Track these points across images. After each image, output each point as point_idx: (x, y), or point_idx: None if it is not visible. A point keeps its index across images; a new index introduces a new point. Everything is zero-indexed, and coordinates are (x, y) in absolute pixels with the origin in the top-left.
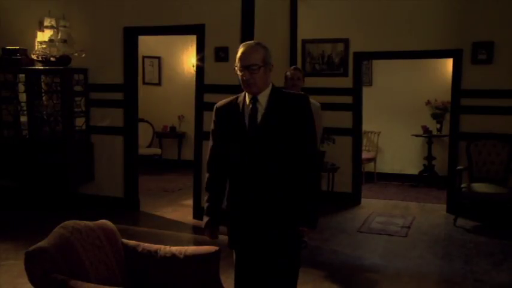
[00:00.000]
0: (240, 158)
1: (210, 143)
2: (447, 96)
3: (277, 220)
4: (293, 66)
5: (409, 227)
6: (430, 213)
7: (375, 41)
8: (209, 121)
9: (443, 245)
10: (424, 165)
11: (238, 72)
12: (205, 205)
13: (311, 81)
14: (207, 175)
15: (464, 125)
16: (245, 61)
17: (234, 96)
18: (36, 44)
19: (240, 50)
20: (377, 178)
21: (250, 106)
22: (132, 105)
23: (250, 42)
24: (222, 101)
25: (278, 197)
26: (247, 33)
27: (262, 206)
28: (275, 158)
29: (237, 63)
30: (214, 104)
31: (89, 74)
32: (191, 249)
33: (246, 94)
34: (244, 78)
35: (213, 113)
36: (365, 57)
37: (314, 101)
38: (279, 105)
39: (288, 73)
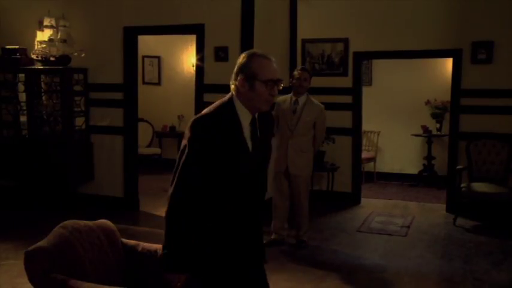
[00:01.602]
0: (241, 191)
1: (192, 177)
2: (447, 96)
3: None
4: (301, 67)
5: (408, 227)
6: (429, 212)
7: (374, 40)
8: None
9: (442, 245)
10: (423, 164)
11: (264, 88)
12: (175, 257)
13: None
14: (180, 220)
15: (464, 125)
16: (277, 74)
17: (215, 111)
18: (36, 43)
19: (268, 62)
20: (377, 178)
21: (250, 129)
22: (131, 105)
23: (264, 52)
24: (209, 117)
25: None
26: (247, 33)
27: (258, 242)
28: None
29: (267, 77)
30: None
31: (88, 73)
32: None
33: (241, 113)
34: (273, 93)
35: (203, 136)
36: (365, 57)
37: (318, 102)
38: (261, 127)
39: (296, 73)
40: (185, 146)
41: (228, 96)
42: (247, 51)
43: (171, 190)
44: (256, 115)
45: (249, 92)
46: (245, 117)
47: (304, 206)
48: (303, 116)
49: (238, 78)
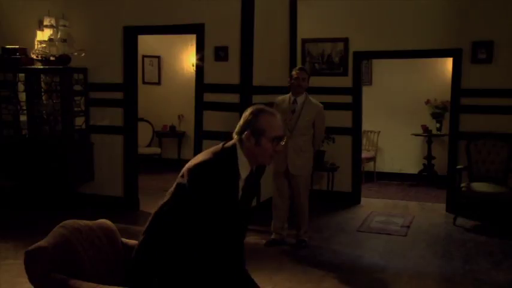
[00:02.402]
0: (223, 231)
1: (180, 218)
2: (447, 96)
3: None
4: (299, 67)
5: (408, 227)
6: (429, 212)
7: (374, 40)
8: (209, 120)
9: (443, 244)
10: (423, 164)
11: (269, 144)
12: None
13: (311, 81)
14: (159, 252)
15: (464, 125)
16: (282, 129)
17: (216, 160)
18: (36, 43)
19: (275, 119)
20: (377, 177)
21: (245, 182)
22: (131, 105)
23: (271, 109)
24: (210, 165)
25: None
26: (247, 33)
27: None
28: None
29: (274, 134)
30: (214, 103)
31: (88, 73)
32: None
33: (241, 165)
34: (278, 149)
35: (202, 183)
36: (365, 57)
37: (317, 101)
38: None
39: (294, 73)
40: (179, 185)
41: (230, 143)
42: (254, 107)
43: (159, 221)
44: (254, 168)
45: (254, 147)
46: (244, 170)
47: (304, 205)
48: (302, 115)
49: (245, 133)
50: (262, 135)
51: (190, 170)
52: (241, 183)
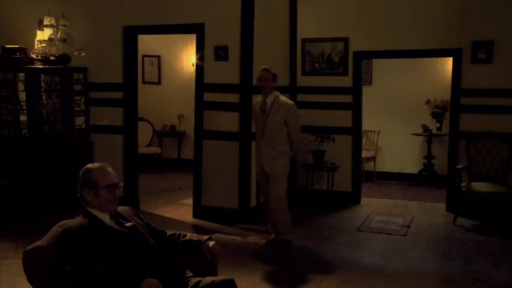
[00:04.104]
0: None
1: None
2: (447, 95)
3: None
4: (262, 67)
5: (408, 226)
6: (429, 212)
7: (374, 40)
8: (209, 120)
9: (443, 244)
10: (423, 164)
11: (106, 193)
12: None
13: (311, 81)
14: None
15: (464, 124)
16: (114, 178)
17: (77, 221)
18: (36, 43)
19: (102, 168)
20: (377, 177)
21: (114, 221)
22: (131, 104)
23: (99, 164)
24: (74, 226)
25: None
26: (247, 32)
27: None
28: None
29: (106, 183)
30: (213, 103)
31: (88, 73)
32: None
33: (99, 216)
34: (116, 195)
35: (74, 243)
36: (365, 56)
37: (287, 100)
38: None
39: (258, 74)
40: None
41: (82, 210)
42: (83, 168)
43: None
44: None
45: (95, 199)
46: (105, 217)
47: (276, 204)
48: (271, 115)
49: (83, 191)
50: (97, 187)
51: (59, 238)
52: (112, 224)
